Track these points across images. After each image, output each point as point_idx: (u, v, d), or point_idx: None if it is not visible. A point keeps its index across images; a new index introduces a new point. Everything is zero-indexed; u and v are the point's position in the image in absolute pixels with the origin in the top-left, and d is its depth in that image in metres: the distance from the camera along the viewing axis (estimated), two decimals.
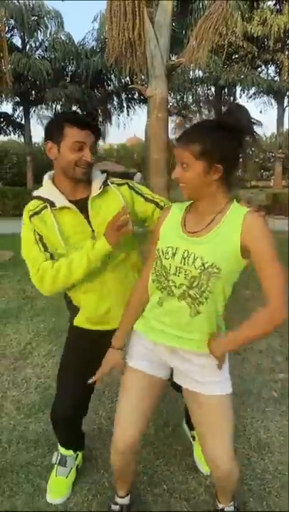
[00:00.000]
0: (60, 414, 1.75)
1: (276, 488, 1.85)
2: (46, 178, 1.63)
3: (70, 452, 1.89)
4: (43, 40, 20.42)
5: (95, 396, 2.53)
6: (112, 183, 1.65)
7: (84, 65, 19.68)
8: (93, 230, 1.58)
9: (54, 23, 20.34)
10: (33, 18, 20.06)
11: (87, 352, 1.69)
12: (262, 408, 2.46)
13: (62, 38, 20.14)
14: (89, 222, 1.58)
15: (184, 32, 13.58)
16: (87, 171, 1.57)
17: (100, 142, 29.17)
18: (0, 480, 1.90)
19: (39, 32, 20.45)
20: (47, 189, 1.60)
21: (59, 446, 1.91)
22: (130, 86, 9.65)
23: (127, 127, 56.24)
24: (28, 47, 20.49)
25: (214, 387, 1.39)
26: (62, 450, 1.90)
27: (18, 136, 22.92)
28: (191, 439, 2.07)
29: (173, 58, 16.21)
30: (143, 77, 7.03)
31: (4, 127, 21.93)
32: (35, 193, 1.62)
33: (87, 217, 1.58)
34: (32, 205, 1.59)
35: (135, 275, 1.66)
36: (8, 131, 22.29)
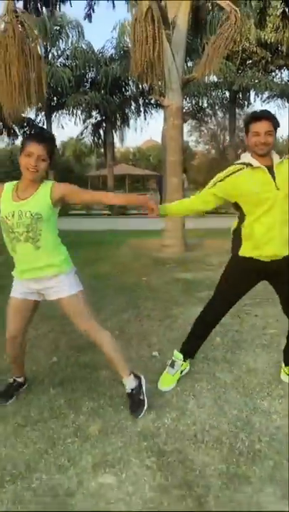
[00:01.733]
0: (207, 313, 2.68)
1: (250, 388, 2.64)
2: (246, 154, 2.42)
3: (180, 357, 2.76)
4: (64, 48, 21.54)
5: None
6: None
7: (103, 72, 20.66)
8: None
9: (75, 32, 21.42)
10: (55, 28, 21.16)
11: (243, 275, 2.53)
12: (252, 349, 3.25)
13: (83, 46, 21.20)
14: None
15: (199, 40, 14.41)
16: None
17: (118, 145, 30.14)
18: (64, 384, 2.74)
19: (61, 41, 21.56)
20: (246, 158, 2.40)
21: (174, 351, 2.81)
22: (150, 97, 10.46)
23: (144, 131, 57.14)
24: (50, 55, 21.59)
25: (64, 292, 2.30)
26: (175, 355, 2.78)
27: None
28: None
29: (189, 63, 17.05)
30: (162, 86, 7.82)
31: (28, 131, 23.06)
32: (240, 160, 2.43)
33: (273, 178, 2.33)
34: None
35: None
36: None
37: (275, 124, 2.35)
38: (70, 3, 9.14)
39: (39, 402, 2.57)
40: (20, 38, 5.96)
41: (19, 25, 6.03)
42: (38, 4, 7.68)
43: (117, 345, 2.48)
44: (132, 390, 2.43)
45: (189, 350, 2.81)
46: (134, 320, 4.04)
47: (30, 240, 2.22)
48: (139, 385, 2.45)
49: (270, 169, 2.35)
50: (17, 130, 23.62)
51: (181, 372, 2.78)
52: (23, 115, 16.17)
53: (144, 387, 2.44)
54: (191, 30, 8.08)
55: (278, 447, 2.10)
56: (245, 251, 2.47)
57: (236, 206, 2.50)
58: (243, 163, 2.41)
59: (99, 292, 4.98)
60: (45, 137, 2.25)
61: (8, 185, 2.30)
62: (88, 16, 8.26)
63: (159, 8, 5.75)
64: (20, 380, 2.66)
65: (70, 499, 1.79)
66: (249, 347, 3.30)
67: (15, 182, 2.30)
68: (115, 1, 10.61)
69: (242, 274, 2.55)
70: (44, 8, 8.21)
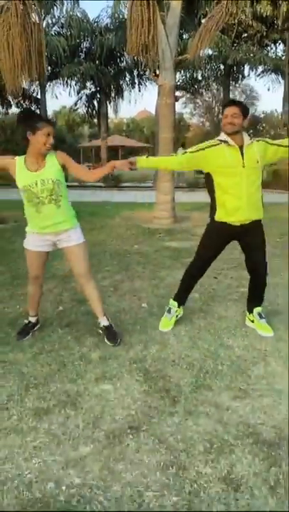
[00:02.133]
0: (192, 269, 3.31)
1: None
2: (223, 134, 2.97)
3: (175, 304, 3.40)
4: (59, 16, 21.26)
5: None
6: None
7: (98, 42, 20.56)
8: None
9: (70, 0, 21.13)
10: None
11: (218, 237, 3.14)
12: (225, 303, 3.91)
13: (78, 15, 20.96)
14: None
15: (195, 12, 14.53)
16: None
17: (111, 115, 30.04)
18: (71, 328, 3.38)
19: (55, 8, 21.25)
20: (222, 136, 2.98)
21: (170, 300, 3.45)
22: (145, 76, 10.74)
23: (138, 102, 56.59)
24: (44, 23, 21.31)
25: (74, 241, 2.97)
26: (171, 303, 3.43)
27: (35, 110, 23.91)
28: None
29: (184, 36, 17.09)
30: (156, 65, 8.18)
31: (21, 101, 23.01)
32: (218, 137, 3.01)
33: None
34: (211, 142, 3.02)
35: (259, 193, 3.03)
36: (25, 106, 23.36)
37: (243, 109, 2.93)
38: None
39: (50, 338, 3.21)
40: (22, 17, 6.28)
41: (21, 4, 6.34)
42: None
43: (99, 293, 3.18)
44: (108, 325, 3.15)
45: (180, 299, 3.46)
46: (126, 280, 4.66)
47: (53, 201, 2.82)
48: (110, 324, 3.17)
49: (241, 148, 2.94)
50: (11, 99, 23.51)
51: (177, 316, 3.44)
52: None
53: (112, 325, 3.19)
54: (184, 11, 8.37)
55: (236, 369, 2.77)
56: (219, 216, 3.07)
57: (207, 178, 3.08)
58: (220, 140, 2.98)
59: (95, 257, 5.58)
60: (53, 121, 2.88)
61: (19, 159, 2.83)
62: None
63: None
64: (34, 320, 3.29)
65: (80, 398, 2.44)
66: (222, 301, 3.96)
67: (22, 156, 2.83)
68: None
69: (217, 235, 3.17)
70: None
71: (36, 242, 2.99)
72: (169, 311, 3.43)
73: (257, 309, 3.36)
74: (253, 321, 3.37)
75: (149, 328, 3.37)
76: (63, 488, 1.80)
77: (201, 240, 3.27)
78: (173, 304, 3.44)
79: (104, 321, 3.15)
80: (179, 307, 3.44)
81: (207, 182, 3.09)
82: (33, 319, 3.29)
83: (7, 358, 2.90)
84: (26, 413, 2.30)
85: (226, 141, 2.94)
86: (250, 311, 3.39)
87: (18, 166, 2.81)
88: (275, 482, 1.82)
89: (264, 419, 2.25)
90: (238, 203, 2.96)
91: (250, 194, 2.96)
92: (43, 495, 1.76)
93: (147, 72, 20.54)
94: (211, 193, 3.08)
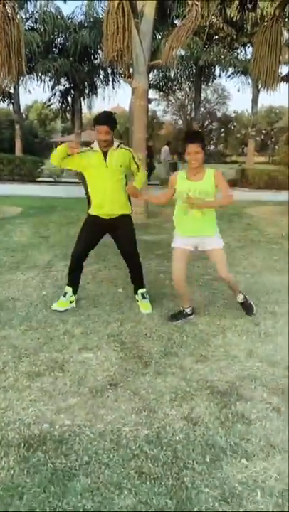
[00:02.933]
0: (73, 259, 3.73)
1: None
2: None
3: (70, 290, 3.80)
4: (33, 11, 21.21)
5: None
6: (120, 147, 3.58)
7: (72, 39, 20.68)
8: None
9: None
10: None
11: (91, 229, 3.65)
12: (192, 288, 4.40)
13: (52, 10, 20.97)
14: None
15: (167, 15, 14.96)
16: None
17: (85, 112, 30.11)
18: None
19: (29, 3, 21.18)
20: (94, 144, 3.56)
21: (66, 286, 3.83)
22: (121, 79, 11.03)
23: (112, 99, 56.77)
24: (18, 17, 21.20)
25: (217, 244, 3.46)
26: (66, 288, 3.82)
27: (8, 105, 23.82)
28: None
29: (158, 36, 17.54)
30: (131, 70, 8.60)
31: None
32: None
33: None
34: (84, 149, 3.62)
35: (123, 192, 3.58)
36: None
37: (111, 125, 3.50)
38: None
39: (37, 317, 3.61)
40: (2, 18, 6.55)
41: (1, 5, 6.60)
42: None
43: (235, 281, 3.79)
44: (242, 301, 3.73)
45: (72, 286, 3.85)
46: (103, 269, 5.10)
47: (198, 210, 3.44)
48: (245, 297, 3.74)
49: (106, 153, 3.51)
50: None
51: (70, 302, 3.81)
52: None
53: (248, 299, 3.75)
54: (157, 13, 8.79)
55: (199, 340, 3.25)
56: (91, 210, 3.67)
57: (82, 176, 3.72)
58: (91, 148, 3.57)
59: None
60: None
61: (182, 173, 3.55)
62: None
63: (129, 2, 6.50)
64: (190, 311, 3.67)
65: (66, 364, 2.87)
66: (189, 286, 4.33)
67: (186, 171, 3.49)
68: None
69: (90, 227, 3.71)
70: None
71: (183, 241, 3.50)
72: (64, 295, 3.81)
73: (140, 290, 3.90)
74: (138, 301, 3.89)
75: (125, 309, 3.82)
76: (57, 427, 2.23)
77: (78, 233, 3.79)
78: (68, 289, 3.83)
79: (240, 297, 3.72)
80: (73, 294, 3.83)
81: (82, 180, 3.77)
82: (187, 309, 3.66)
83: None
84: (21, 375, 2.71)
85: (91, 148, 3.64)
86: (135, 293, 3.91)
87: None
88: (224, 418, 2.31)
89: (220, 377, 2.75)
90: (103, 197, 3.56)
91: (114, 190, 3.56)
92: (40, 432, 2.19)
93: (121, 70, 20.84)
94: (86, 190, 3.74)
